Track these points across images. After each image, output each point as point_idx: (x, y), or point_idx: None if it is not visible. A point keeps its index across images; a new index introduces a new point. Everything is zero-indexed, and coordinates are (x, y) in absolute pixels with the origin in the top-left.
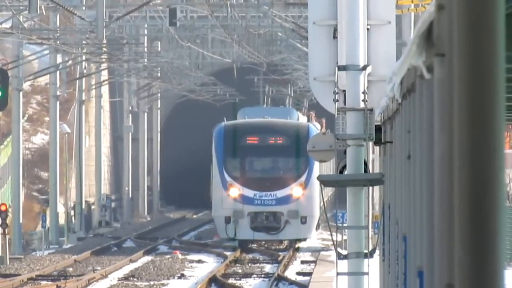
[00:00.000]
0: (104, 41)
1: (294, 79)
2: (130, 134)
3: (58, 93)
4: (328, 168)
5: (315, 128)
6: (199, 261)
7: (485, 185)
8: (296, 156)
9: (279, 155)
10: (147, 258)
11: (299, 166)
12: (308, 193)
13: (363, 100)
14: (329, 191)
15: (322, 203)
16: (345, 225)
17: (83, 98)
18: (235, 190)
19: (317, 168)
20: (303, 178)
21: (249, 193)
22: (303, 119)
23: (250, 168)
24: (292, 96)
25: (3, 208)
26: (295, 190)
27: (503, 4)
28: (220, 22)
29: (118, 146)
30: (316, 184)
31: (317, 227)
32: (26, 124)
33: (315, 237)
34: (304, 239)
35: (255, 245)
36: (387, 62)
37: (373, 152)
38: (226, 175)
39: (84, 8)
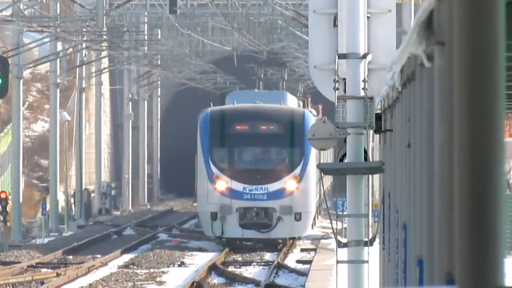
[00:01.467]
0: (105, 29)
1: (290, 61)
2: (130, 122)
3: (58, 80)
4: (326, 159)
5: (311, 114)
6: (199, 249)
7: (485, 173)
8: (290, 145)
9: (271, 144)
10: (147, 246)
11: (294, 157)
12: (303, 187)
13: (363, 88)
14: (327, 181)
15: (322, 192)
16: (345, 213)
17: (83, 86)
18: (222, 183)
19: (314, 159)
20: (297, 170)
21: (238, 186)
22: (298, 105)
23: (239, 158)
24: (286, 80)
25: (3, 195)
26: (288, 183)
27: None
28: (220, 10)
29: (118, 134)
30: (312, 177)
31: (313, 224)
32: (26, 112)
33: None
34: (299, 238)
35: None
36: (387, 51)
37: (373, 141)
38: (212, 167)
39: None
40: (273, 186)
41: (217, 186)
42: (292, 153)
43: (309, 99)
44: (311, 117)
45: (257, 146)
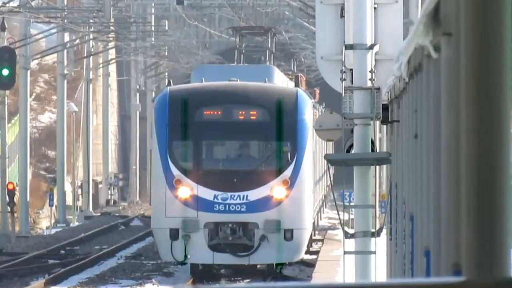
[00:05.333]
0: (112, 20)
1: (297, 52)
2: (138, 112)
3: (65, 71)
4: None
5: (307, 95)
6: None
7: (492, 164)
8: (279, 138)
9: (253, 137)
10: None
11: (283, 154)
12: (295, 195)
13: (370, 79)
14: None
15: (329, 183)
16: (352, 204)
17: (91, 77)
18: (186, 190)
19: (310, 157)
20: (288, 172)
21: (207, 194)
22: (288, 83)
23: (209, 156)
24: (274, 52)
25: (10, 186)
26: (276, 190)
27: None
28: (228, 0)
29: (125, 125)
30: (307, 180)
31: (309, 245)
32: (33, 103)
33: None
34: (289, 263)
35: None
36: (394, 41)
37: (380, 131)
38: (171, 167)
39: None
40: (255, 194)
41: (179, 193)
42: (281, 148)
43: (304, 78)
44: (307, 100)
45: (233, 139)
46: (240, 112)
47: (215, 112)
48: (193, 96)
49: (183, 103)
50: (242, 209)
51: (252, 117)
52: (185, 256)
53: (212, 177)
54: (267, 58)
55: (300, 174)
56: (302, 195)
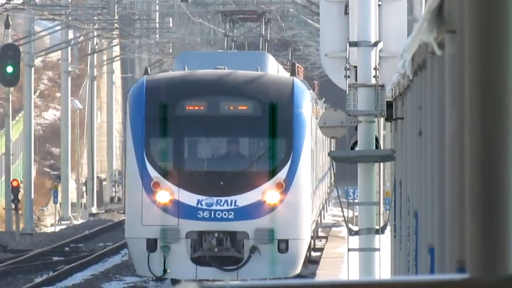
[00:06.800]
0: (116, 17)
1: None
2: None
3: (69, 69)
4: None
5: (305, 86)
6: None
7: (496, 161)
8: (272, 135)
9: (242, 134)
10: None
11: (277, 153)
12: (291, 200)
13: (374, 76)
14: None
15: (333, 178)
16: (356, 201)
17: (95, 74)
18: (165, 194)
19: (308, 156)
20: (282, 174)
21: (190, 198)
22: (283, 72)
23: (191, 155)
24: (268, 40)
25: (14, 184)
26: (269, 194)
27: None
28: None
29: None
30: (305, 183)
31: (307, 260)
32: (37, 100)
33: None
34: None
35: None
36: (399, 38)
37: (384, 129)
38: (149, 168)
39: None
40: (245, 199)
41: (157, 198)
42: (275, 147)
43: (300, 68)
44: (304, 91)
45: (219, 135)
46: (228, 105)
47: (199, 105)
48: (173, 86)
49: (162, 94)
50: (230, 216)
51: (241, 111)
52: (164, 271)
53: (195, 179)
54: (261, 47)
55: (296, 176)
56: (299, 200)
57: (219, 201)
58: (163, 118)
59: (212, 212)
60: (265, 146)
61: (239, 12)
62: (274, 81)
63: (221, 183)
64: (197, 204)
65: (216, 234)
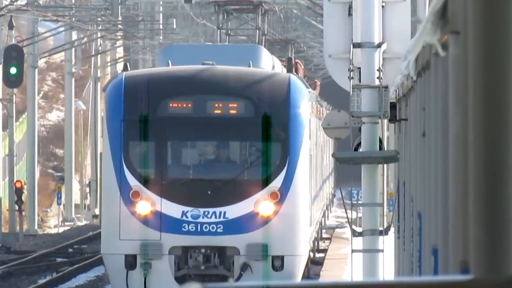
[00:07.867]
0: (120, 18)
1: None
2: None
3: (73, 70)
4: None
5: (302, 84)
6: None
7: (500, 161)
8: (266, 138)
9: (233, 137)
10: None
11: (271, 159)
12: (287, 211)
13: (378, 78)
14: (327, 172)
15: (335, 179)
16: (360, 202)
17: (99, 75)
18: (146, 205)
19: (306, 162)
20: (277, 182)
21: (173, 210)
22: (283, 70)
23: (176, 161)
24: (266, 34)
25: (18, 185)
26: (262, 205)
27: None
28: None
29: None
30: (302, 193)
31: (305, 275)
32: (41, 101)
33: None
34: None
35: None
36: (402, 40)
37: (387, 130)
38: (128, 175)
39: None
40: (235, 210)
41: (137, 209)
42: (269, 152)
43: (300, 65)
44: (302, 89)
45: (206, 139)
46: (216, 105)
47: (184, 105)
48: (155, 84)
49: (142, 93)
50: (218, 230)
51: (231, 111)
52: None
53: (179, 188)
54: (257, 41)
55: (293, 185)
56: (295, 211)
57: (206, 213)
58: (144, 119)
59: (199, 225)
60: (258, 151)
61: (233, 2)
62: (269, 78)
63: (209, 192)
64: (182, 216)
65: (202, 250)
